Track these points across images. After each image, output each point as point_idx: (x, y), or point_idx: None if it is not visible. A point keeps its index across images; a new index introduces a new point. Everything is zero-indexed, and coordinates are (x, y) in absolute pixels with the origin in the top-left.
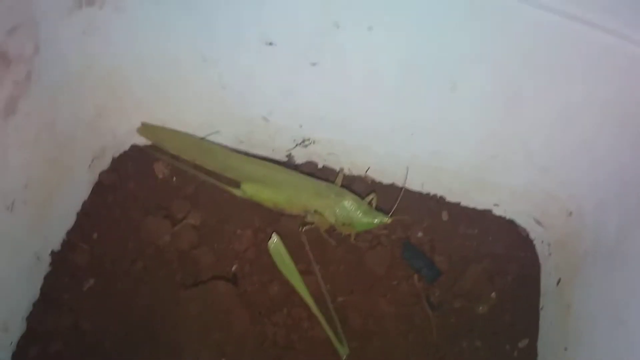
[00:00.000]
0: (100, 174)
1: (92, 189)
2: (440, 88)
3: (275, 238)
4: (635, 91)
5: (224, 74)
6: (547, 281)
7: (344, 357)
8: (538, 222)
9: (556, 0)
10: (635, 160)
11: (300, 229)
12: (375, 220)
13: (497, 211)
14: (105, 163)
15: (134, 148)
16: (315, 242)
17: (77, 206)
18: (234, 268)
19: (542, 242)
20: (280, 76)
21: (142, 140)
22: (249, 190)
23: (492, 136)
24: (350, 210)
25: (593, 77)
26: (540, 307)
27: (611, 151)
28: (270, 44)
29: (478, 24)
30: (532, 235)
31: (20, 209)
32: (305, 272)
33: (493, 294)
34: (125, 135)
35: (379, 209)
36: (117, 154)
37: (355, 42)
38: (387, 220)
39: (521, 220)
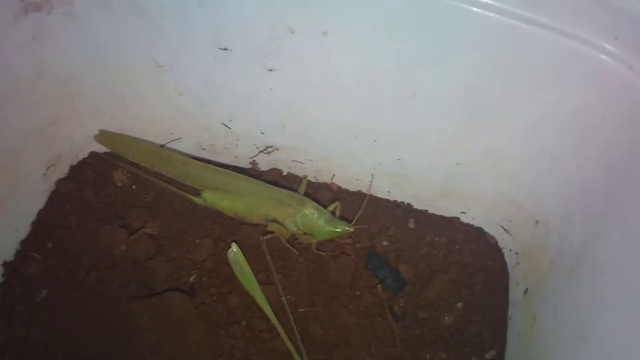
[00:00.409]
0: (57, 182)
1: (49, 197)
2: (399, 95)
3: (234, 247)
4: (600, 100)
5: (180, 80)
6: (514, 291)
7: None
8: (506, 231)
9: (516, 5)
10: (599, 171)
11: (261, 238)
12: (337, 229)
13: (465, 219)
14: (62, 170)
15: (93, 155)
16: (277, 251)
17: (32, 215)
18: (191, 279)
19: (511, 250)
20: (238, 82)
21: (101, 148)
22: (209, 198)
23: (454, 144)
24: (311, 219)
25: (558, 85)
26: (508, 317)
27: (576, 161)
28: (225, 49)
29: (434, 29)
30: (500, 244)
31: None
32: (266, 282)
33: (459, 304)
34: (83, 142)
35: (343, 217)
36: (75, 162)
37: (310, 48)
38: (349, 228)
39: (489, 228)
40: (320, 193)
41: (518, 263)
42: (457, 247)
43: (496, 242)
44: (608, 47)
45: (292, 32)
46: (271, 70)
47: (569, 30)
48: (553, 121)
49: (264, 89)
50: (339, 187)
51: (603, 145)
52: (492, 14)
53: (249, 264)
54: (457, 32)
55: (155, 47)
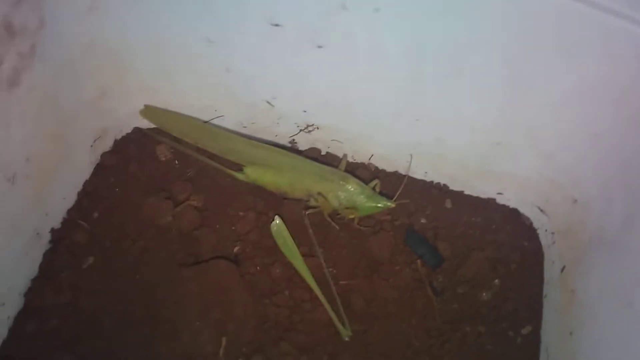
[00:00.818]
0: (102, 155)
1: (94, 169)
2: (445, 73)
3: (277, 220)
4: None
5: (229, 57)
6: (550, 269)
7: (347, 339)
8: (542, 211)
9: None
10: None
11: (303, 213)
12: (379, 205)
13: (501, 200)
14: (107, 144)
15: (137, 130)
16: (318, 226)
17: (78, 185)
18: (236, 249)
19: (546, 230)
20: (286, 59)
21: (144, 123)
22: (251, 173)
23: (496, 123)
24: (353, 194)
25: (598, 62)
26: (544, 295)
27: (616, 138)
28: (276, 25)
29: (487, 6)
30: (535, 225)
31: (22, 182)
32: (307, 255)
33: (496, 281)
34: (128, 117)
35: (382, 195)
36: (119, 136)
37: (361, 25)
38: (391, 204)
39: (525, 209)
40: (359, 172)
41: (554, 242)
42: (493, 227)
43: (531, 223)
44: None
45: (344, 8)
46: (320, 47)
47: (611, 6)
48: (595, 98)
49: (311, 66)
50: (377, 167)
51: None
52: None
53: (292, 237)
54: (504, 10)
55: (208, 22)
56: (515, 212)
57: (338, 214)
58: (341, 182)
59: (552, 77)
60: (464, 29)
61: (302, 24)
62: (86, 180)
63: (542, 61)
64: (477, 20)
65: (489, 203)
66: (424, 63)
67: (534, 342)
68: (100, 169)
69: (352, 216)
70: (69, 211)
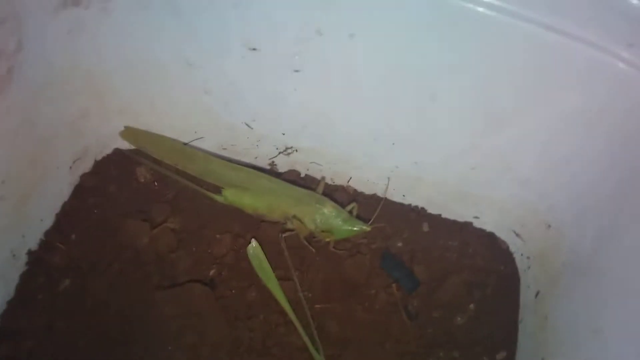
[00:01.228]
0: (82, 176)
1: (73, 190)
2: (419, 98)
3: (254, 243)
4: (617, 107)
5: (208, 79)
6: (525, 294)
7: None
8: (517, 235)
9: (535, 11)
10: (613, 176)
11: (280, 236)
12: (355, 228)
13: (478, 223)
14: (87, 165)
15: (117, 151)
16: (294, 249)
17: (56, 207)
18: (212, 272)
19: (522, 255)
20: (264, 82)
21: (125, 144)
22: (230, 195)
23: (472, 148)
24: (330, 218)
25: (571, 91)
26: (520, 319)
27: (588, 164)
28: (254, 49)
29: (458, 35)
30: (511, 249)
31: None
32: (283, 279)
33: (471, 306)
34: (108, 138)
35: (359, 218)
36: (99, 157)
37: (336, 50)
38: (367, 228)
39: (501, 233)
40: (337, 195)
41: (529, 267)
42: (470, 250)
43: (507, 247)
44: (624, 54)
45: (320, 34)
46: (297, 71)
47: (587, 37)
48: (569, 126)
49: (289, 90)
50: (355, 190)
51: (618, 152)
52: (511, 20)
53: (268, 260)
54: (477, 37)
55: (187, 46)
56: (491, 235)
57: (314, 237)
58: (318, 206)
59: (525, 104)
60: (437, 55)
61: (279, 48)
62: (65, 202)
63: (514, 89)
64: (449, 47)
65: (466, 226)
66: (399, 88)
67: None
68: (79, 190)
69: (328, 239)
70: (47, 233)
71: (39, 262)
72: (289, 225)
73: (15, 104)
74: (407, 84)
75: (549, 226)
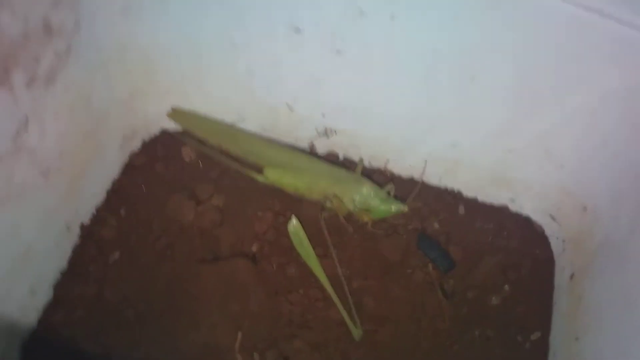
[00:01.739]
0: (131, 155)
1: (123, 168)
2: (459, 80)
3: (294, 220)
4: None
5: (252, 61)
6: (560, 276)
7: (357, 339)
8: (553, 219)
9: None
10: None
11: (319, 215)
12: (393, 208)
13: (513, 207)
14: (136, 144)
15: (164, 132)
16: (333, 228)
17: (107, 184)
18: (254, 248)
19: (557, 238)
20: (306, 64)
21: (171, 125)
22: (271, 175)
23: (509, 130)
24: (368, 197)
25: (608, 70)
26: (554, 301)
27: (625, 145)
28: (298, 30)
29: (500, 14)
30: (547, 232)
31: (55, 177)
32: (322, 256)
33: (506, 287)
34: (156, 118)
35: (396, 199)
36: (147, 138)
37: (378, 31)
38: (403, 208)
39: (537, 217)
40: (374, 177)
41: (564, 250)
42: (505, 233)
43: (543, 231)
44: None
45: (362, 14)
46: (339, 52)
47: (625, 16)
48: (607, 107)
49: (330, 71)
50: (392, 173)
51: None
52: (552, 1)
53: (307, 238)
54: (523, 19)
55: (233, 26)
56: (527, 219)
57: (353, 217)
58: (356, 186)
59: (563, 85)
60: (477, 37)
61: (322, 29)
62: (115, 179)
63: (553, 69)
64: (489, 28)
65: (502, 210)
66: (438, 69)
67: (542, 347)
68: (128, 168)
69: (366, 219)
70: (98, 208)
71: (90, 235)
72: (328, 205)
73: (73, 81)
74: (447, 65)
75: (585, 209)
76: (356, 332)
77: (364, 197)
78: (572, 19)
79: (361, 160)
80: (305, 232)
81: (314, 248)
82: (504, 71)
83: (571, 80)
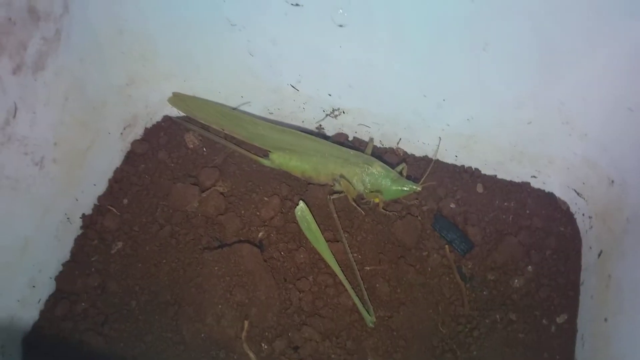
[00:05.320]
0: (133, 143)
1: (125, 157)
2: (470, 48)
3: (302, 205)
4: None
5: (252, 39)
6: (587, 255)
7: (371, 326)
8: (579, 194)
9: None
10: None
11: (328, 197)
12: (405, 188)
13: (535, 183)
14: (137, 132)
15: (166, 118)
16: (343, 211)
17: (109, 173)
18: (260, 234)
19: (583, 215)
20: (308, 40)
21: (173, 111)
22: (277, 159)
23: (527, 99)
24: (378, 178)
25: (635, 34)
26: (581, 282)
27: None
28: (297, 4)
29: None
30: (572, 209)
31: (50, 166)
32: (332, 241)
33: (529, 268)
34: (157, 104)
35: (409, 179)
36: (149, 124)
37: (382, 1)
38: (417, 188)
39: (561, 193)
40: (387, 157)
41: (591, 227)
42: (527, 211)
43: (568, 208)
44: None
45: None
46: (341, 26)
47: None
48: (633, 67)
49: (333, 46)
50: (405, 152)
51: None
52: None
53: (316, 222)
54: None
55: (228, 4)
56: (550, 196)
57: (363, 199)
58: (366, 166)
59: (587, 47)
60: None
61: (322, 2)
62: (117, 168)
63: (576, 29)
64: None
65: (523, 187)
66: (448, 38)
67: (569, 330)
68: (130, 157)
69: (377, 200)
70: (100, 198)
71: (92, 225)
72: (337, 187)
73: (65, 67)
74: (457, 34)
75: (612, 182)
76: (369, 319)
77: (374, 178)
78: None
79: (371, 140)
80: (314, 217)
81: (323, 233)
82: (519, 35)
83: (593, 39)
